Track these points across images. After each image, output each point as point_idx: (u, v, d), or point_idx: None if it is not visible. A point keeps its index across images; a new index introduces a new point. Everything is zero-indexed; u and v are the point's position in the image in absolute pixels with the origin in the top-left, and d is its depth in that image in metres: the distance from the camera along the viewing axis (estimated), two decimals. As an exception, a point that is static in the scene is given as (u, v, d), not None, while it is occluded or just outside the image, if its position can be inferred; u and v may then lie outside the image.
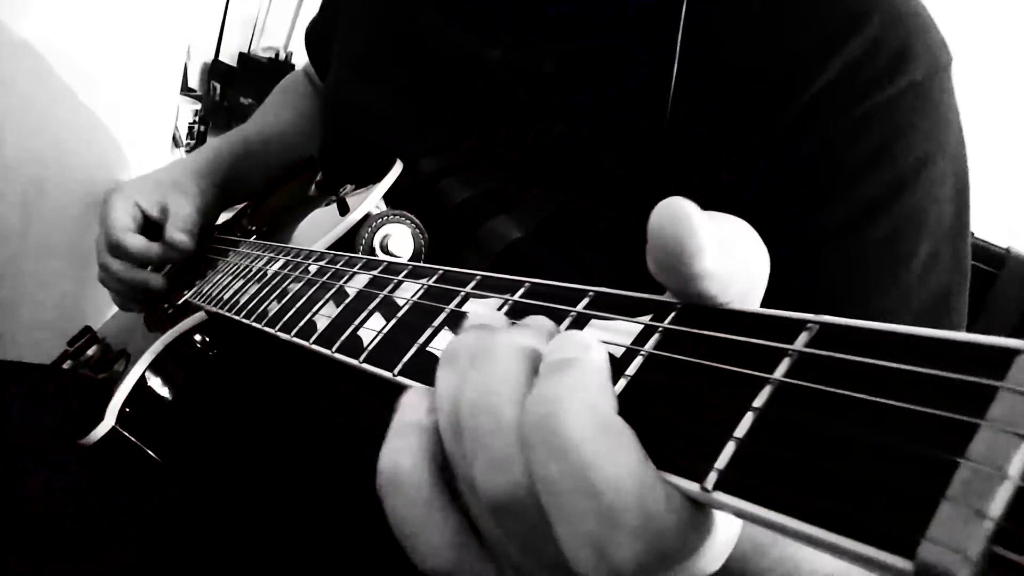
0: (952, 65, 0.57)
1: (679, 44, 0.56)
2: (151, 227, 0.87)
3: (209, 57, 3.01)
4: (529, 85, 0.64)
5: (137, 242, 0.84)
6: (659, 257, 0.26)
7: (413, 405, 0.30)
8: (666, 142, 0.56)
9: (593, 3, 0.62)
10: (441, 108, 0.69)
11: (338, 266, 0.51)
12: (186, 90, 2.76)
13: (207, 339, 0.66)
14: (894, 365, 0.21)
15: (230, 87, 3.01)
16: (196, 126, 2.88)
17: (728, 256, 0.26)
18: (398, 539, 0.29)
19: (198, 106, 2.86)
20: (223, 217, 0.97)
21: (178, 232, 0.84)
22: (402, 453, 0.29)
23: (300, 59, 3.04)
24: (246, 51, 3.12)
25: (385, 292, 0.43)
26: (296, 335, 0.47)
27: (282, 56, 3.17)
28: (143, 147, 1.39)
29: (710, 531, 0.24)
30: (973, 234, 0.59)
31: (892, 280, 0.55)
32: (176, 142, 2.35)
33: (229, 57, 3.07)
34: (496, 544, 0.27)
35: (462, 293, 0.38)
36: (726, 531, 0.25)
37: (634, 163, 0.58)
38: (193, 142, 2.80)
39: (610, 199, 0.58)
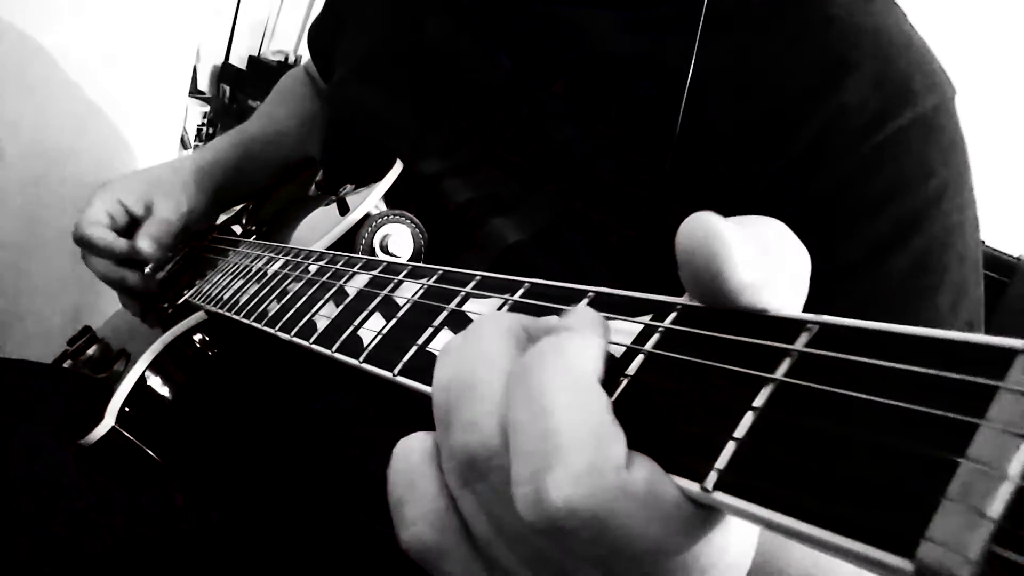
0: (956, 97, 0.57)
1: (692, 63, 0.55)
2: (136, 224, 0.85)
3: (219, 60, 3.03)
4: (536, 97, 0.64)
5: (102, 236, 0.82)
6: (693, 278, 0.25)
7: None
8: (670, 159, 0.56)
9: (604, 18, 0.62)
10: (445, 113, 0.68)
11: (338, 266, 0.51)
12: (195, 92, 2.77)
13: (207, 339, 0.66)
14: (894, 365, 0.21)
15: (239, 90, 3.02)
16: (205, 128, 2.90)
17: (764, 260, 0.25)
18: (391, 511, 0.29)
19: (207, 108, 2.88)
20: (223, 217, 0.97)
21: (144, 238, 0.82)
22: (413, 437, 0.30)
23: (309, 63, 3.03)
24: (256, 54, 3.13)
25: (385, 292, 0.43)
26: (296, 335, 0.47)
27: (292, 59, 3.18)
28: (151, 148, 1.39)
29: (678, 515, 0.23)
30: (983, 242, 0.59)
31: (915, 315, 0.54)
32: (184, 144, 2.36)
33: (239, 60, 3.08)
34: (472, 518, 0.28)
35: (462, 293, 0.37)
36: (732, 539, 0.25)
37: (635, 178, 0.58)
38: (201, 144, 2.82)
39: (610, 211, 0.58)
